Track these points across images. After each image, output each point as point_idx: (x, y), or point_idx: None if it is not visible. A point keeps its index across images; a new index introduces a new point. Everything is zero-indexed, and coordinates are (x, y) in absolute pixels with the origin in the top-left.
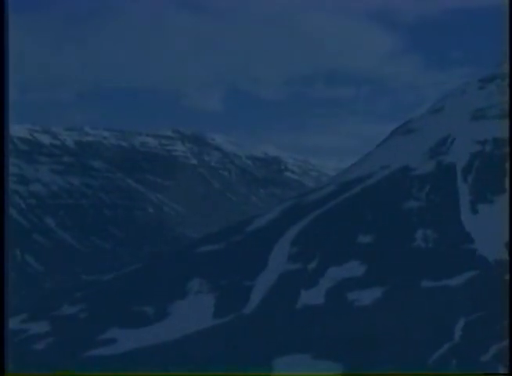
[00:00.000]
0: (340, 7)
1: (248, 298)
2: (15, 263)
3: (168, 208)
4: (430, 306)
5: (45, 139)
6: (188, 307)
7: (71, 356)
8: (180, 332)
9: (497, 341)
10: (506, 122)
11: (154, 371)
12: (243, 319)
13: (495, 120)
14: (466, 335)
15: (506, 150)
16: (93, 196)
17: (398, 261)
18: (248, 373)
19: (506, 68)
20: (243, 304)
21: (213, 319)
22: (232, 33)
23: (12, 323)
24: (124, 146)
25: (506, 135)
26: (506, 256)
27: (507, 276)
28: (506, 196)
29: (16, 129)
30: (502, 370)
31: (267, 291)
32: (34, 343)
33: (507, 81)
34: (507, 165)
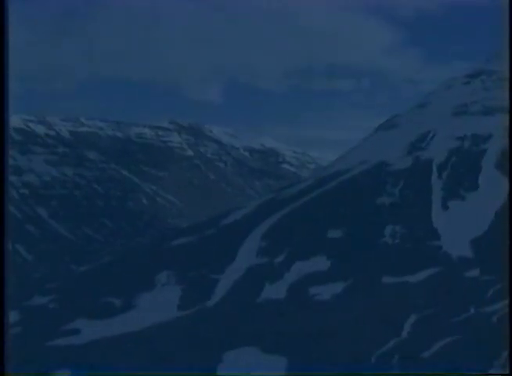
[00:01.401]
0: (340, 1)
1: (213, 292)
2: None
3: (162, 199)
4: (385, 302)
5: (40, 130)
6: (153, 299)
7: (35, 345)
8: (142, 324)
9: (442, 338)
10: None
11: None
12: (205, 312)
13: (477, 116)
14: (413, 332)
15: (485, 146)
16: (87, 186)
17: (365, 256)
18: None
19: (494, 64)
20: (208, 297)
21: (177, 311)
22: (231, 24)
23: None
24: (120, 137)
25: (488, 132)
26: (469, 253)
27: (468, 274)
28: (478, 193)
29: (11, 119)
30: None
31: (232, 284)
32: None
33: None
34: (482, 162)
